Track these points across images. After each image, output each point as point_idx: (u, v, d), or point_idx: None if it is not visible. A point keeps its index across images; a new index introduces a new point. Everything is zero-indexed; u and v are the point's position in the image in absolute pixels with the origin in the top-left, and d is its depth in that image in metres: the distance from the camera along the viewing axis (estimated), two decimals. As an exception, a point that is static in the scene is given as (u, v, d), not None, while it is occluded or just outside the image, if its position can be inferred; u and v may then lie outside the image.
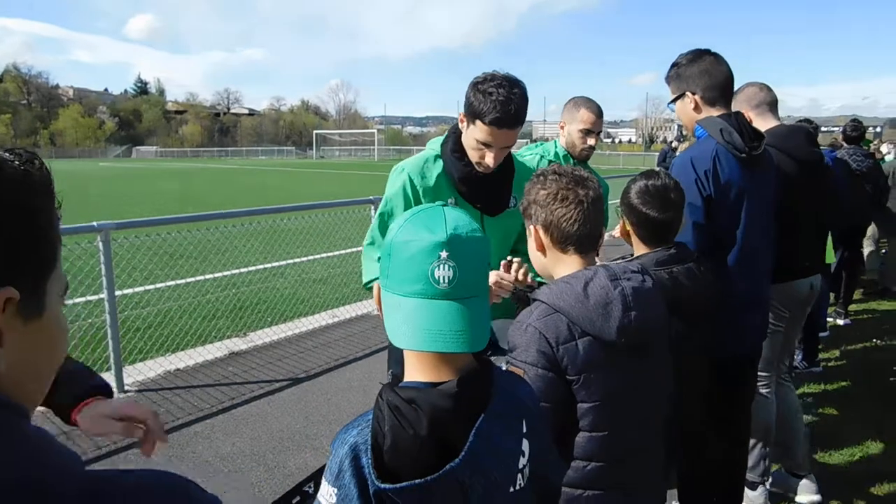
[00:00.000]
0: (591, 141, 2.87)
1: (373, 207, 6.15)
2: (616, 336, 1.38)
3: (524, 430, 1.07)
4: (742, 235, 2.19)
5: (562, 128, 2.92)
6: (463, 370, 1.00)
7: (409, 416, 0.92)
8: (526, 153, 2.96)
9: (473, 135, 1.92)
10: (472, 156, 2.01)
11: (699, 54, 2.32)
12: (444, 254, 0.96)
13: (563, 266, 1.50)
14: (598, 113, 2.86)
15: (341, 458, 0.94)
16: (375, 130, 79.60)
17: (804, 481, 2.94)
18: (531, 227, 1.52)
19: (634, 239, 2.00)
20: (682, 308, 1.82)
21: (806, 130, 2.83)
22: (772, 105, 2.82)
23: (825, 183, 2.93)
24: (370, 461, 0.92)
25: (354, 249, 7.98)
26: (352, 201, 6.71)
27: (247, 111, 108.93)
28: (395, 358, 2.23)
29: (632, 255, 2.01)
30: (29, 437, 0.54)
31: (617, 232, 2.11)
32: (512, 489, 1.03)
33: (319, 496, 0.95)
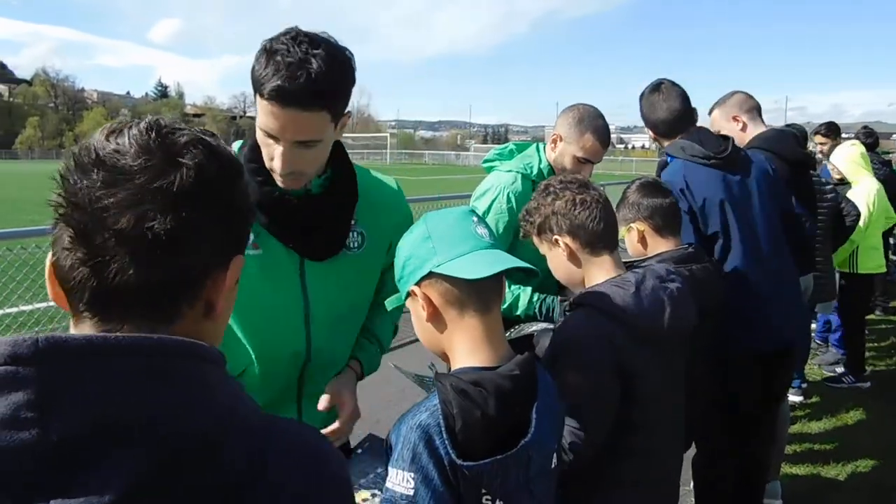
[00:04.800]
0: (585, 171, 2.25)
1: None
2: (667, 335, 1.45)
3: (557, 410, 1.18)
4: (737, 236, 2.24)
5: (555, 141, 2.30)
6: (506, 355, 1.11)
7: (476, 397, 1.00)
8: (502, 167, 2.36)
9: (258, 122, 1.28)
10: (265, 159, 1.32)
11: (646, 90, 2.48)
12: (475, 219, 1.11)
13: (598, 269, 1.52)
14: (607, 142, 2.29)
15: (414, 442, 1.00)
16: (388, 134, 79.93)
17: (769, 485, 2.98)
18: (555, 238, 1.53)
19: (651, 236, 1.98)
20: (702, 304, 1.86)
21: (793, 133, 3.02)
22: (759, 111, 2.92)
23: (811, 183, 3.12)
24: (446, 441, 0.98)
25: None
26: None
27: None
28: None
29: (637, 259, 2.02)
30: (237, 383, 0.67)
31: (629, 247, 2.03)
32: (551, 466, 1.14)
33: (393, 486, 0.99)
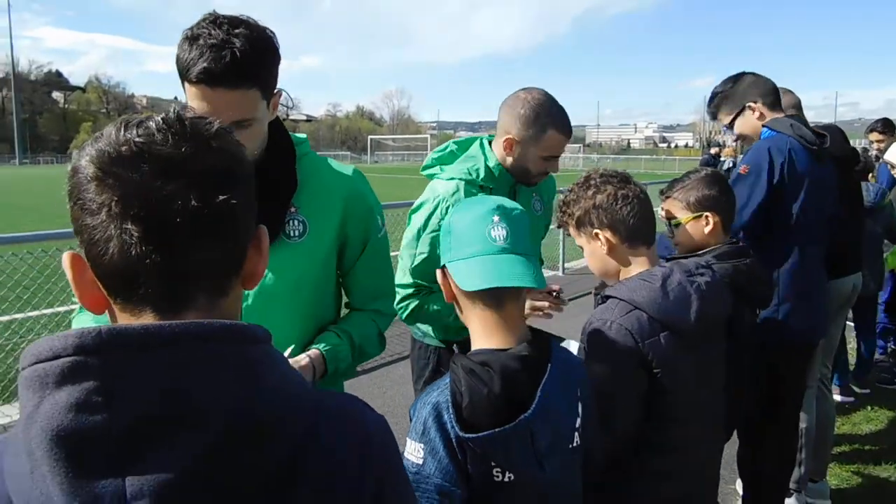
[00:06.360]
0: (552, 167, 2.04)
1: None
2: (694, 330, 1.46)
3: (578, 394, 1.21)
4: (808, 223, 2.29)
5: (510, 146, 1.97)
6: (522, 338, 1.15)
7: (483, 376, 1.07)
8: (443, 175, 2.06)
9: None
10: None
11: (739, 75, 2.49)
12: (496, 217, 1.13)
13: (635, 264, 1.56)
14: (570, 130, 2.00)
15: (425, 416, 1.10)
16: (428, 135, 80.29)
17: (817, 486, 2.97)
18: (595, 232, 1.55)
19: (719, 230, 1.98)
20: (747, 298, 1.89)
21: (840, 129, 3.00)
22: (801, 108, 2.92)
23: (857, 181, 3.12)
24: (452, 416, 1.07)
25: (409, 251, 8.17)
26: (404, 203, 6.89)
27: (304, 117, 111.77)
28: (418, 372, 2.22)
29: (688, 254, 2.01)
30: (284, 359, 0.70)
31: (693, 234, 2.00)
32: (571, 445, 1.18)
33: (407, 453, 1.10)
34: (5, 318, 5.44)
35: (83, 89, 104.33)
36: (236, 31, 1.22)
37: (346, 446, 0.69)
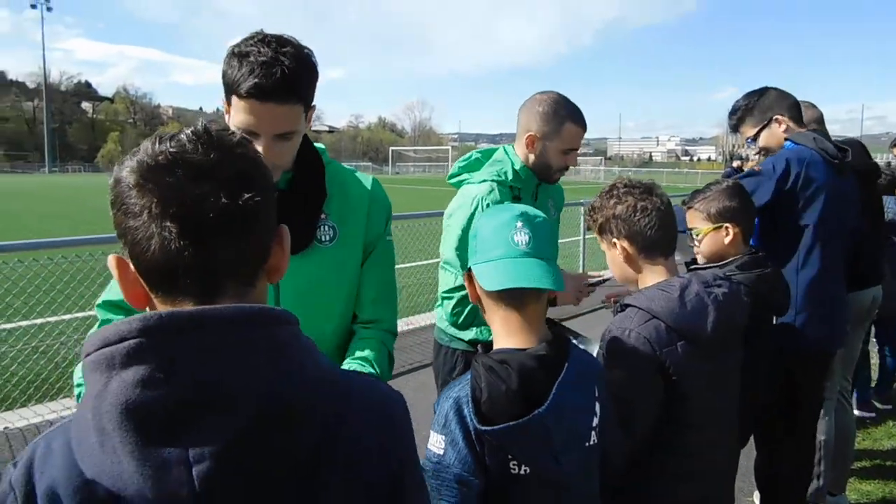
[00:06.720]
0: (571, 161, 2.18)
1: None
2: (711, 339, 1.50)
3: (596, 394, 1.27)
4: (823, 235, 2.32)
5: (532, 143, 2.13)
6: (542, 338, 1.22)
7: (501, 373, 1.15)
8: (473, 179, 2.19)
9: (234, 123, 1.35)
10: None
11: (763, 89, 2.52)
12: (519, 223, 1.21)
13: (651, 274, 1.60)
14: (585, 125, 2.16)
15: (446, 410, 1.18)
16: (449, 147, 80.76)
17: (836, 499, 2.97)
18: (613, 240, 1.61)
19: (738, 241, 2.03)
20: (765, 307, 1.94)
21: (861, 143, 2.99)
22: (824, 122, 2.95)
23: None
24: (471, 410, 1.15)
25: (429, 262, 8.26)
26: (427, 213, 6.96)
27: (327, 128, 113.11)
28: (444, 376, 2.26)
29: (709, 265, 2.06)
30: (311, 342, 0.77)
31: (712, 245, 2.05)
32: (587, 443, 1.24)
33: (429, 446, 1.18)
34: (39, 320, 5.61)
35: (111, 100, 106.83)
36: (284, 49, 1.30)
37: (372, 434, 0.75)
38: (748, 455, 2.46)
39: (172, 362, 0.64)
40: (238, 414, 0.65)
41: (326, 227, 1.53)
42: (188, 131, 0.72)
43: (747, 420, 1.81)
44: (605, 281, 2.13)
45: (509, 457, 1.16)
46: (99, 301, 1.44)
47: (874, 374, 4.40)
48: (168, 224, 0.67)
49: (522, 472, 1.16)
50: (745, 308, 1.65)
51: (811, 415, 2.47)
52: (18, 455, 0.71)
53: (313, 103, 1.43)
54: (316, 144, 1.59)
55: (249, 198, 0.71)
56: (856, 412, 3.83)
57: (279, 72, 1.27)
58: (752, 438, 2.38)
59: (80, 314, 5.73)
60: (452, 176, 2.27)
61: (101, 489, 0.64)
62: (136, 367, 0.64)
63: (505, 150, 2.24)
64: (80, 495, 0.64)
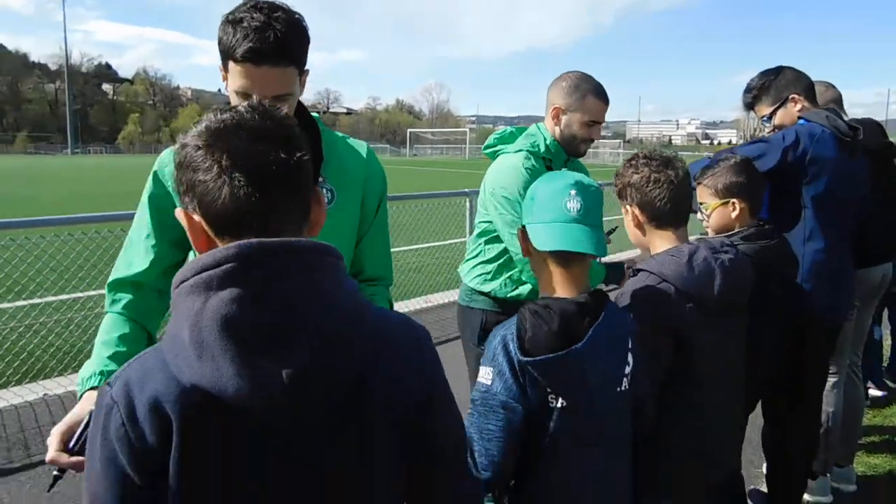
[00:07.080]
0: (595, 133, 2.35)
1: (468, 200, 6.49)
2: (716, 302, 1.60)
3: (629, 346, 1.41)
4: (830, 210, 2.39)
5: (557, 115, 2.32)
6: (583, 292, 1.37)
7: (544, 315, 1.31)
8: (509, 149, 2.38)
9: (232, 87, 1.40)
10: None
11: (778, 68, 2.57)
12: (573, 192, 1.35)
13: (660, 241, 1.69)
14: (607, 98, 2.33)
15: (495, 345, 1.34)
16: (467, 129, 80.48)
17: (843, 470, 3.04)
18: (626, 206, 1.72)
19: (745, 215, 2.10)
20: (773, 277, 2.02)
21: (877, 123, 3.02)
22: (842, 103, 2.98)
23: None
24: (516, 345, 1.31)
25: (449, 242, 8.37)
26: (447, 193, 7.06)
27: (345, 110, 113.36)
28: (470, 326, 2.43)
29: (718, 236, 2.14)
30: (352, 280, 0.88)
31: (720, 219, 2.13)
32: (619, 389, 1.38)
33: (480, 377, 1.35)
34: (65, 296, 5.82)
35: (131, 81, 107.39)
36: (275, 14, 1.35)
37: (405, 372, 0.89)
38: (759, 428, 2.55)
39: (265, 282, 0.75)
40: (315, 334, 0.77)
41: (324, 190, 1.57)
42: (245, 105, 0.84)
43: (752, 386, 1.90)
44: (613, 230, 2.39)
45: (548, 389, 1.31)
46: (109, 280, 1.52)
47: (887, 354, 4.45)
48: (237, 175, 0.78)
49: (560, 404, 1.31)
50: (751, 273, 1.74)
51: (818, 386, 2.53)
52: (112, 378, 0.82)
53: (307, 67, 1.49)
54: (313, 113, 1.66)
55: (301, 156, 0.83)
56: (871, 391, 3.90)
57: (272, 35, 1.32)
58: (759, 408, 2.47)
59: (102, 291, 5.89)
60: (488, 146, 2.46)
61: (199, 394, 0.75)
62: (231, 288, 0.75)
63: (537, 126, 2.43)
64: (180, 402, 0.76)
